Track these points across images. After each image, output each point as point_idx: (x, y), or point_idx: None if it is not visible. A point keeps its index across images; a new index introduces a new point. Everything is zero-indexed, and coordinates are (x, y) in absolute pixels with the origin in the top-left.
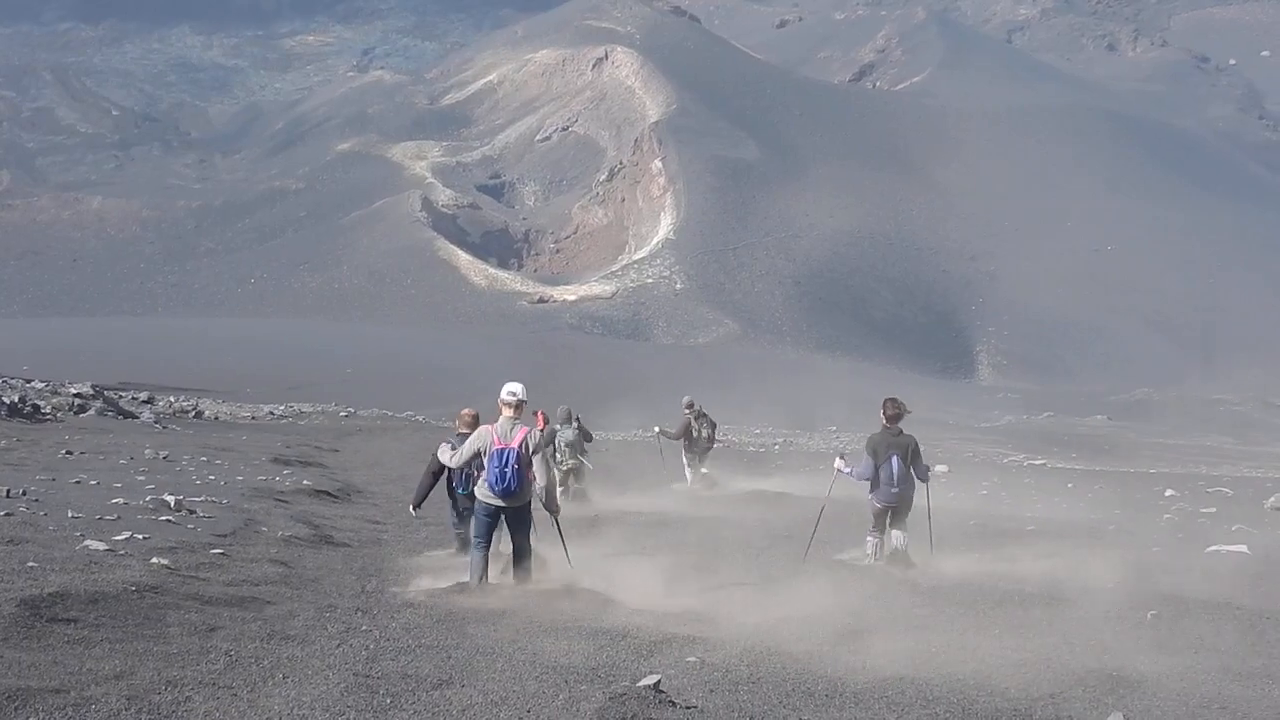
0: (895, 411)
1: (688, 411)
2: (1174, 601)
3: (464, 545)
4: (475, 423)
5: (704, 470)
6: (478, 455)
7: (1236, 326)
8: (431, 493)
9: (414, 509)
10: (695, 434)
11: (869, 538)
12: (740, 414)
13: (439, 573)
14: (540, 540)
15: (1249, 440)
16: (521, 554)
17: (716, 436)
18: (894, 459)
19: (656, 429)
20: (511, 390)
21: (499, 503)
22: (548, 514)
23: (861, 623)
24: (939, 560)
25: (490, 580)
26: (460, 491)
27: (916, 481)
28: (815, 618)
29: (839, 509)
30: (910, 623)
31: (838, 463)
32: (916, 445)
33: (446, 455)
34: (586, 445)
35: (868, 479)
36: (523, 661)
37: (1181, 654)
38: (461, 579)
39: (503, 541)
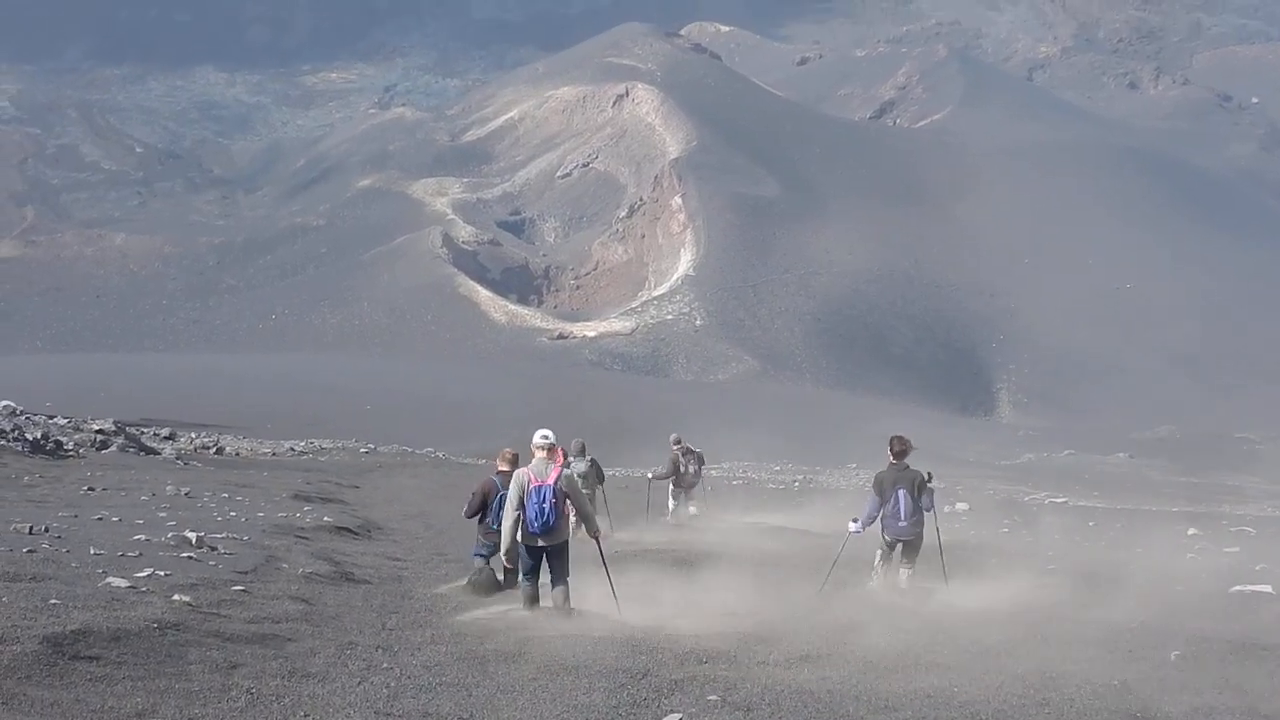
0: (901, 448)
1: (675, 448)
2: (1198, 641)
3: (475, 586)
4: (515, 461)
5: (692, 509)
6: (521, 495)
7: (1258, 364)
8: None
9: (471, 517)
10: (683, 470)
11: (877, 563)
12: (760, 451)
13: (475, 605)
14: (587, 580)
15: (1272, 479)
16: (560, 583)
17: (703, 472)
18: (901, 493)
19: (649, 475)
20: (544, 434)
21: (540, 542)
22: (592, 539)
23: (882, 661)
24: (959, 595)
25: (540, 605)
26: (494, 527)
27: (925, 515)
28: (836, 655)
29: (854, 546)
30: (931, 661)
31: (851, 525)
32: (923, 478)
33: (507, 521)
34: (599, 485)
35: (874, 521)
36: (544, 700)
37: (1205, 694)
38: (505, 607)
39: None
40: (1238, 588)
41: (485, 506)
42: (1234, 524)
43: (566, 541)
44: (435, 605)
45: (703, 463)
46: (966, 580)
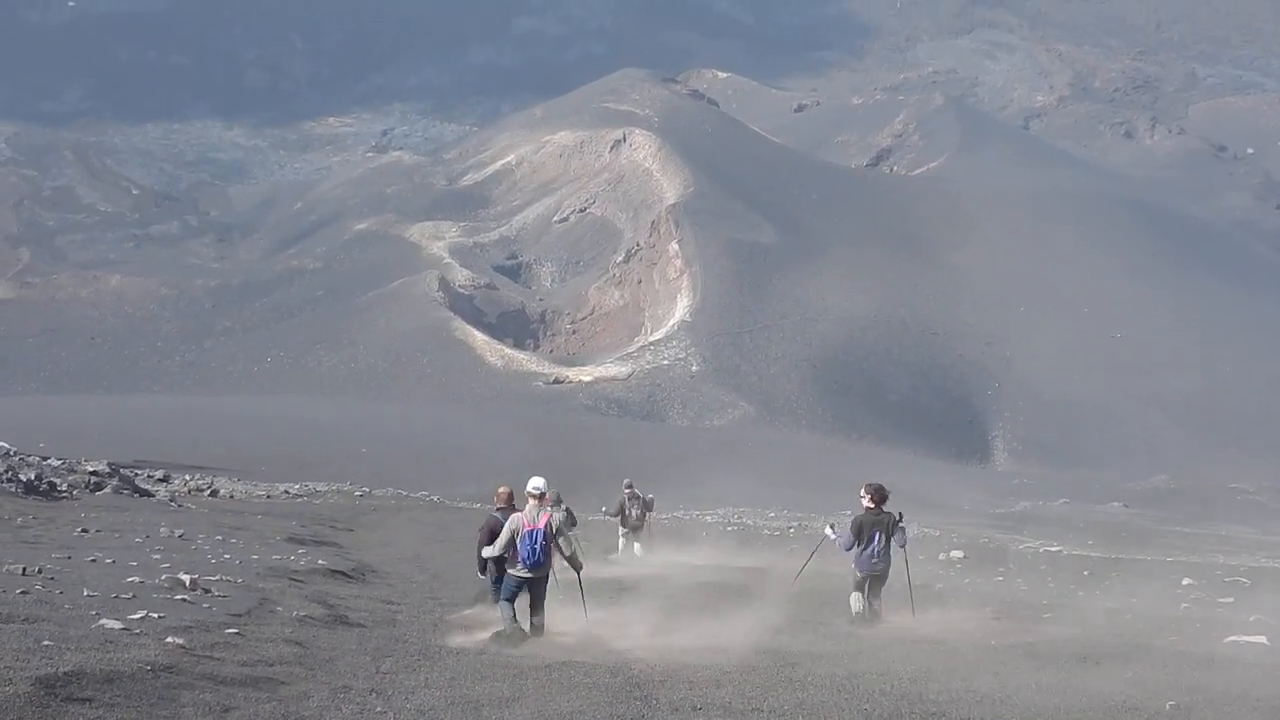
0: (879, 497)
1: (625, 492)
2: (1193, 692)
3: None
4: (510, 498)
5: (636, 548)
6: (512, 537)
7: (1253, 415)
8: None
9: (482, 573)
10: (627, 512)
11: (853, 593)
12: (755, 497)
13: (474, 628)
14: (563, 604)
15: (1267, 530)
16: (537, 610)
17: (649, 517)
18: (876, 535)
19: (604, 509)
20: (536, 485)
21: (527, 575)
22: (575, 573)
23: (870, 716)
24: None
25: (522, 625)
26: (526, 561)
27: (893, 556)
28: (829, 706)
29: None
30: (925, 711)
31: (827, 530)
32: (895, 520)
33: (488, 550)
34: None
35: (848, 550)
36: None
37: None
38: (496, 628)
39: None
40: (1232, 638)
41: (494, 538)
42: (1229, 574)
43: (548, 575)
44: (443, 628)
45: (649, 508)
46: (968, 627)
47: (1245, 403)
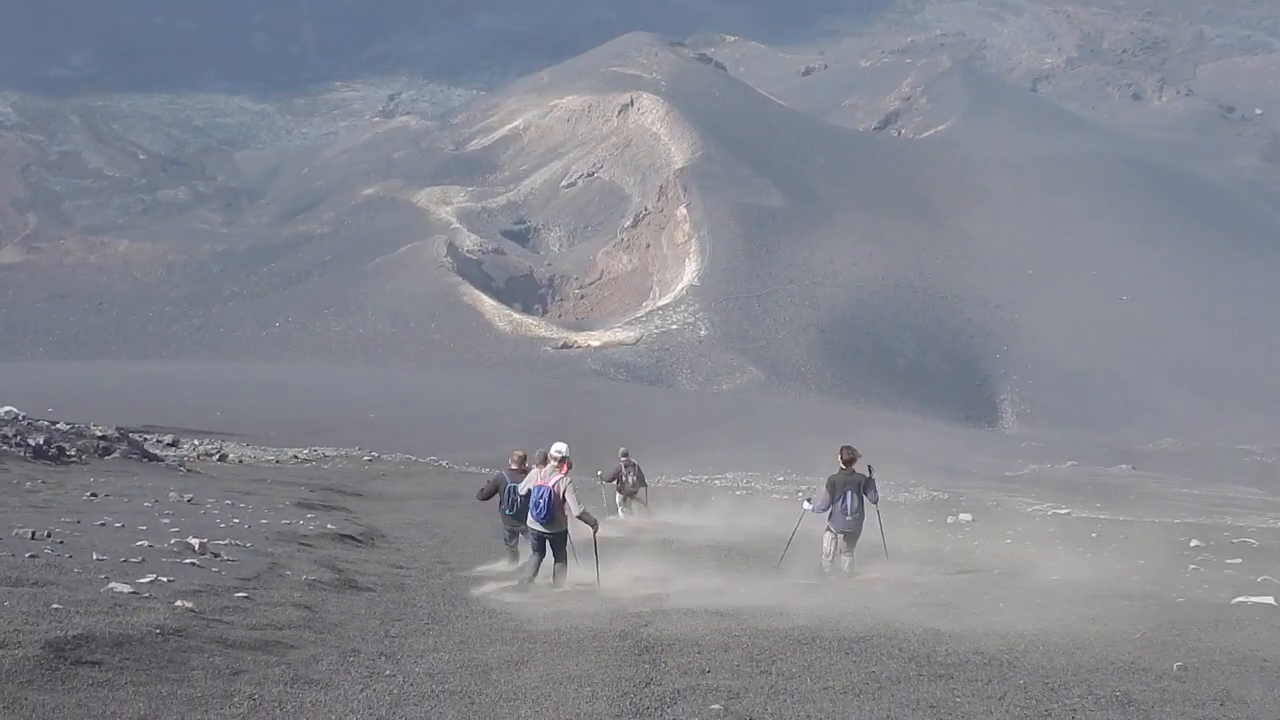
0: (850, 456)
1: (621, 460)
2: (1200, 653)
3: (514, 556)
4: (523, 460)
5: (634, 508)
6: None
7: (1261, 376)
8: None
9: (482, 499)
10: (623, 478)
11: (825, 534)
12: (764, 461)
13: (501, 578)
14: (578, 563)
15: (1274, 491)
16: (559, 561)
17: (644, 483)
18: (849, 494)
19: (599, 473)
20: (558, 449)
21: (542, 529)
22: (590, 528)
23: (878, 678)
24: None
25: (538, 580)
26: (508, 513)
27: (866, 512)
28: (839, 666)
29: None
30: (933, 674)
31: (805, 504)
32: (868, 478)
33: (522, 488)
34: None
35: (826, 510)
36: (547, 708)
37: (1207, 706)
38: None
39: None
40: (1240, 599)
41: (497, 493)
42: (1236, 536)
43: (565, 532)
44: (459, 584)
45: (642, 475)
46: (975, 595)
47: (1253, 365)
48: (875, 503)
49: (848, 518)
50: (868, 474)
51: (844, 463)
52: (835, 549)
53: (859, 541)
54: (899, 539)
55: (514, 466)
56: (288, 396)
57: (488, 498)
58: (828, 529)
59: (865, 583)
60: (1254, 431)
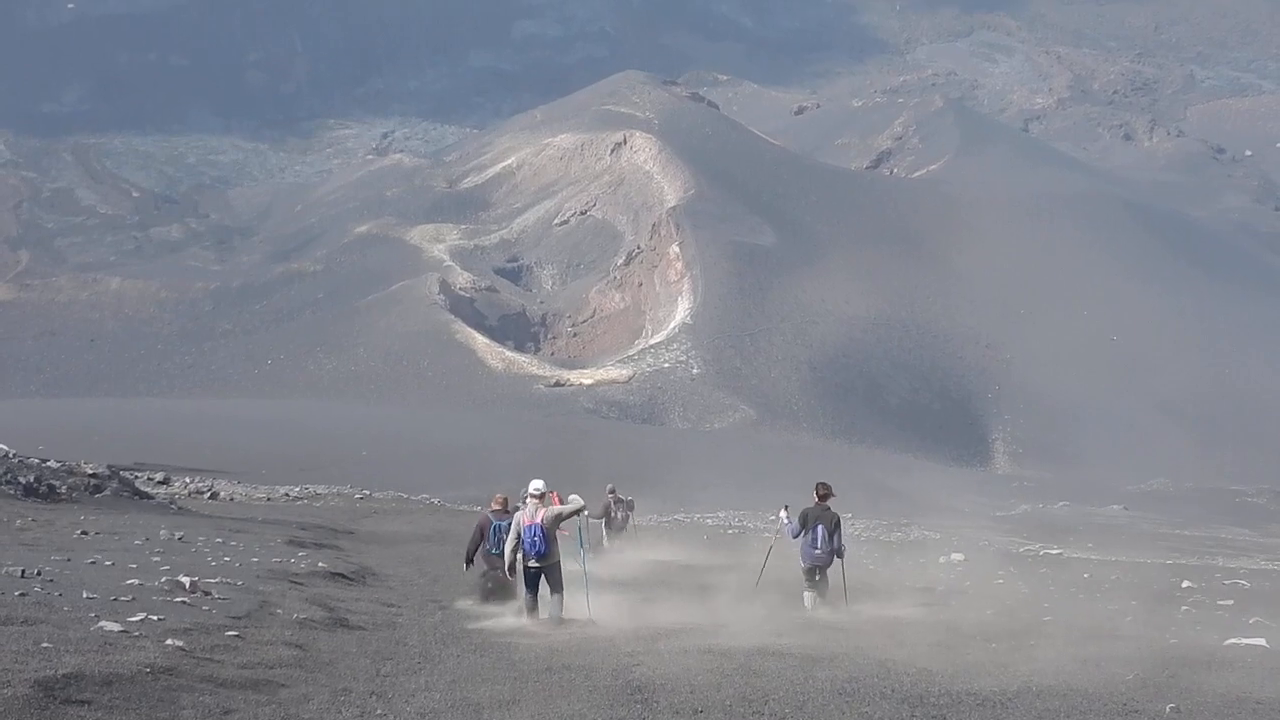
0: (825, 492)
1: (609, 495)
2: (1193, 695)
3: (485, 596)
4: (505, 504)
5: (617, 544)
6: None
7: (1252, 417)
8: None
9: (466, 566)
10: (613, 514)
11: (805, 593)
12: (756, 500)
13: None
14: (571, 594)
15: (1266, 532)
16: (555, 591)
17: (631, 518)
18: (819, 528)
19: (586, 512)
20: (536, 487)
21: (535, 564)
22: (581, 571)
23: (871, 719)
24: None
25: (540, 615)
26: (493, 552)
27: (834, 556)
28: (833, 707)
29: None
30: (926, 714)
31: (781, 514)
32: (839, 521)
33: (507, 550)
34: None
35: (795, 535)
36: None
37: None
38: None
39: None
40: (1232, 641)
41: (484, 538)
42: (1228, 577)
43: (558, 563)
44: (451, 621)
45: (632, 509)
46: (967, 635)
47: (1244, 405)
48: (840, 554)
49: (816, 551)
50: (838, 521)
51: (819, 497)
52: (813, 588)
53: (832, 583)
54: (891, 578)
55: (496, 507)
56: (279, 434)
57: (477, 549)
58: (804, 578)
59: (857, 623)
60: (1245, 472)
